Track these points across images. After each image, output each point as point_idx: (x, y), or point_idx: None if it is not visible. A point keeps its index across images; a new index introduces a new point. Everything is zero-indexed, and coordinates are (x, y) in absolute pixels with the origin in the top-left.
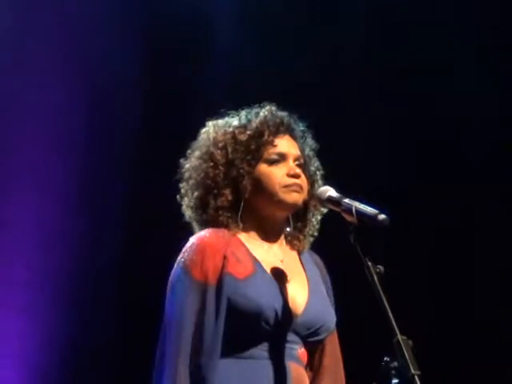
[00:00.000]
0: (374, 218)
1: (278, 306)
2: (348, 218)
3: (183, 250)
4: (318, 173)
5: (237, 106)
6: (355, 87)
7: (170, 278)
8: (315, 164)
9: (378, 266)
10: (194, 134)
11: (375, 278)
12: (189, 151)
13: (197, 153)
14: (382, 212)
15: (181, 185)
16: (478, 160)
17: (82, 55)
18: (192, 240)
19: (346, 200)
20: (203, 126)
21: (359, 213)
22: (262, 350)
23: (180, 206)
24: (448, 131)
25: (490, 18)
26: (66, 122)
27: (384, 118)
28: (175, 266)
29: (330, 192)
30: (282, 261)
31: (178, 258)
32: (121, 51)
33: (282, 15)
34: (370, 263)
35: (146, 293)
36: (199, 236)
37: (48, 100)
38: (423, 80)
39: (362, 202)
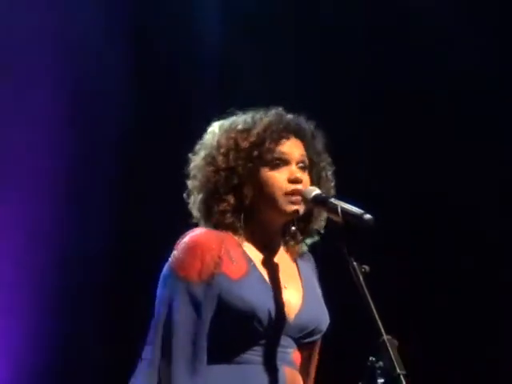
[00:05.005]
0: (359, 217)
1: (272, 307)
2: (333, 217)
3: (176, 247)
4: (328, 169)
5: (225, 110)
6: (347, 90)
7: (161, 274)
8: (324, 162)
9: (364, 266)
10: (181, 134)
11: (360, 277)
12: (197, 147)
13: (202, 152)
14: (367, 212)
15: (188, 182)
16: None
17: (68, 56)
18: (184, 238)
19: (332, 200)
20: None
21: (345, 212)
22: (255, 355)
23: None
24: None
25: None
26: (52, 120)
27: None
28: (167, 262)
29: (316, 192)
30: (278, 264)
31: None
32: (107, 52)
33: (270, 16)
34: (355, 263)
35: (135, 292)
36: (191, 235)
37: (34, 100)
38: None
39: (348, 202)
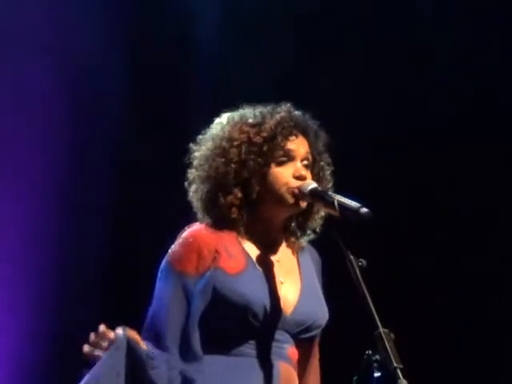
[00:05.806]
0: (356, 211)
1: (268, 302)
2: (331, 211)
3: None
4: (326, 169)
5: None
6: (347, 91)
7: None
8: (324, 162)
9: (360, 260)
10: (180, 134)
11: (357, 271)
12: (199, 137)
13: (209, 143)
14: (364, 205)
15: (189, 170)
16: None
17: (68, 56)
18: (183, 233)
19: (329, 193)
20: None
21: (341, 206)
22: (250, 348)
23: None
24: None
25: None
26: (51, 121)
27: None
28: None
29: (313, 185)
30: (277, 260)
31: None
32: (107, 52)
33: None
34: (352, 256)
35: (134, 290)
36: (190, 230)
37: (33, 100)
38: None
39: (344, 195)
